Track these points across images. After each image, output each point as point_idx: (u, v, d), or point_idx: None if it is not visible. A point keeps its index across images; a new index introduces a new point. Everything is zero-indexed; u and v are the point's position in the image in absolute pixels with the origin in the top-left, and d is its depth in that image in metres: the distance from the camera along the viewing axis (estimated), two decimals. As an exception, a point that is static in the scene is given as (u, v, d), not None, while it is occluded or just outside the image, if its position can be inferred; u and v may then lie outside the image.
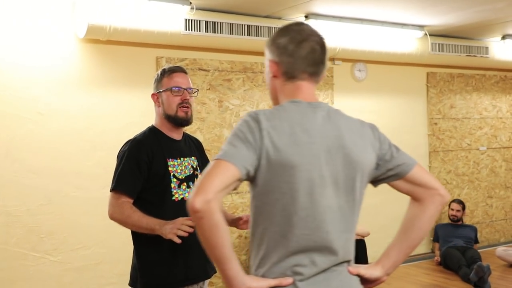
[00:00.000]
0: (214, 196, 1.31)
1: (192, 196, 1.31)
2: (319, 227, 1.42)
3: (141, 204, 2.26)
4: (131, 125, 4.09)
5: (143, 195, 2.29)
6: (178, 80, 2.37)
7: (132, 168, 2.26)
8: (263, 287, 1.40)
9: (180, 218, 2.14)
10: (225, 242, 1.34)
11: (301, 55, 1.50)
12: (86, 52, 4.07)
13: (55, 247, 3.89)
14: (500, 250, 5.49)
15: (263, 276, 1.43)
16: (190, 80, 2.43)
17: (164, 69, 2.42)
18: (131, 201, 2.26)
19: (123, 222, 2.25)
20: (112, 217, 2.27)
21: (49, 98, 3.91)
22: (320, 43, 1.53)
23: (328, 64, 5.53)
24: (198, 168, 2.44)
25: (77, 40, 4.02)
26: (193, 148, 2.49)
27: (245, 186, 4.73)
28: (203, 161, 2.50)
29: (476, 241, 5.65)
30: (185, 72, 2.43)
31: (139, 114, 4.13)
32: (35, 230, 3.82)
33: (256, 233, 1.46)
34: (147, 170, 2.27)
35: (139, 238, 2.31)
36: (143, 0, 3.91)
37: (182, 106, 2.34)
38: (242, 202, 4.79)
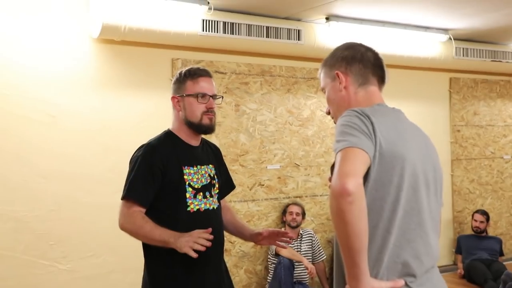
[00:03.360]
0: (362, 180, 1.28)
1: (340, 179, 1.25)
2: (423, 221, 1.42)
3: (153, 214, 2.10)
4: (146, 128, 3.95)
5: (156, 205, 2.12)
6: (204, 85, 2.20)
7: (145, 175, 2.11)
8: None
9: (197, 231, 1.99)
10: (367, 230, 1.29)
11: (370, 60, 1.58)
12: (100, 52, 3.94)
13: (65, 254, 3.75)
14: (526, 263, 5.27)
15: (375, 278, 1.38)
16: (214, 84, 2.27)
17: (188, 71, 2.24)
18: (143, 210, 2.10)
19: (134, 233, 2.10)
20: (123, 227, 2.11)
21: (60, 99, 3.78)
22: (378, 54, 1.63)
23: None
24: (215, 176, 2.27)
25: (91, 40, 3.89)
26: (211, 155, 2.33)
27: (260, 193, 4.59)
28: (221, 169, 2.35)
29: (501, 254, 5.42)
30: (211, 76, 2.27)
31: (154, 118, 3.99)
32: (44, 237, 3.68)
33: None
34: (161, 178, 2.11)
35: (150, 251, 2.15)
36: (159, 0, 3.77)
37: (207, 114, 2.18)
38: (258, 210, 4.62)
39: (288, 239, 2.30)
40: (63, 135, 3.78)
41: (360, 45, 1.62)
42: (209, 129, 2.22)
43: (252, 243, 4.59)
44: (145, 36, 3.89)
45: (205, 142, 2.35)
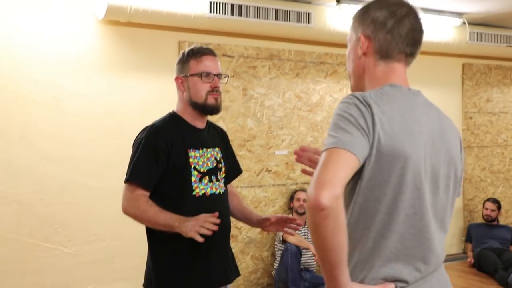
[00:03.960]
0: (342, 191, 1.14)
1: (315, 189, 1.12)
2: (426, 225, 1.29)
3: (158, 198, 2.05)
4: (151, 113, 3.83)
5: (160, 189, 2.07)
6: (208, 64, 2.13)
7: (148, 158, 2.05)
8: None
9: (203, 215, 1.94)
10: (345, 244, 1.17)
11: (401, 33, 1.35)
12: (105, 34, 3.86)
13: (69, 238, 3.72)
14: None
15: (362, 281, 1.28)
16: (219, 63, 2.19)
17: (192, 50, 2.18)
18: (147, 194, 2.05)
19: (138, 218, 2.04)
20: (126, 211, 2.06)
21: (65, 82, 3.72)
22: (419, 20, 1.39)
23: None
24: (222, 160, 2.21)
25: (96, 21, 3.81)
26: (217, 138, 2.26)
27: (268, 179, 4.53)
28: (227, 153, 2.28)
29: (513, 243, 5.34)
30: (215, 55, 2.20)
31: (160, 102, 3.90)
32: (48, 220, 3.65)
33: (354, 233, 1.28)
34: (166, 161, 2.05)
35: (154, 236, 2.11)
36: (165, -20, 3.68)
37: (212, 93, 2.11)
38: (265, 196, 4.56)
39: (295, 225, 2.24)
40: (66, 118, 3.72)
41: (401, 5, 1.37)
42: (215, 109, 2.15)
43: (259, 229, 4.53)
44: (151, 18, 3.81)
45: (211, 125, 2.28)
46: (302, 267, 4.30)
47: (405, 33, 1.35)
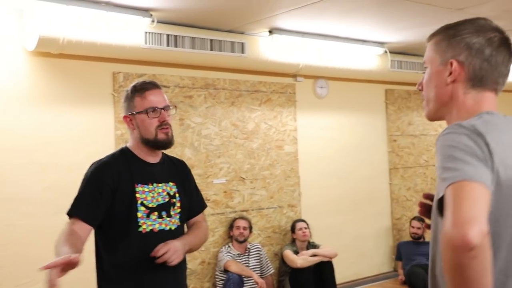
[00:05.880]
0: (488, 227, 1.01)
1: (459, 227, 0.99)
2: None
3: (105, 234, 2.02)
4: (86, 145, 3.77)
5: (107, 224, 2.01)
6: (153, 98, 2.09)
7: (92, 192, 2.00)
8: None
9: (54, 272, 1.56)
10: (491, 285, 1.03)
11: (498, 61, 1.25)
12: (35, 66, 3.73)
13: None
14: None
15: None
16: (165, 95, 2.18)
17: (134, 86, 2.13)
18: (88, 228, 1.96)
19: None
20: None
21: (-7, 116, 3.53)
22: (511, 47, 1.29)
23: (290, 80, 5.38)
24: (176, 195, 2.17)
25: (26, 53, 3.67)
26: (172, 172, 2.21)
27: (207, 208, 4.50)
28: (185, 185, 2.23)
29: (439, 258, 5.62)
30: (159, 87, 2.16)
31: (95, 134, 3.82)
32: (-24, 265, 3.41)
33: None
34: (111, 196, 2.00)
35: (102, 274, 2.05)
36: (100, 11, 3.62)
37: (162, 128, 2.09)
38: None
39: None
40: (-4, 154, 3.52)
41: (495, 30, 1.26)
42: (167, 144, 2.12)
43: (199, 260, 4.49)
44: (85, 49, 3.72)
45: (167, 159, 2.23)
46: (244, 295, 4.29)
47: (501, 62, 1.26)
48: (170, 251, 1.94)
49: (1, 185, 3.52)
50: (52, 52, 3.67)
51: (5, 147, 3.55)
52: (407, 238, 5.82)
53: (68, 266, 1.59)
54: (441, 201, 1.09)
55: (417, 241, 5.61)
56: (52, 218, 3.46)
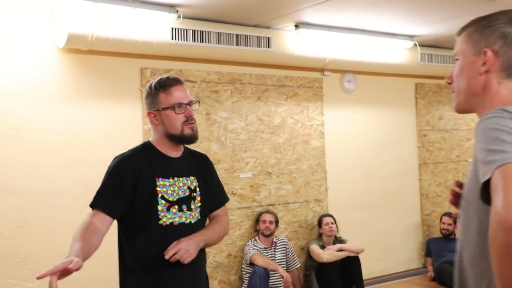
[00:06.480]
0: None
1: (509, 209, 0.96)
2: None
3: (126, 227, 2.07)
4: (114, 140, 3.85)
5: (128, 217, 2.06)
6: (178, 94, 2.12)
7: (114, 185, 2.04)
8: None
9: (54, 274, 1.64)
10: None
11: None
12: (66, 62, 3.82)
13: (32, 272, 3.59)
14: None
15: None
16: (188, 90, 2.21)
17: (158, 83, 2.16)
18: (108, 220, 2.00)
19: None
20: None
21: (25, 111, 3.64)
22: None
23: (317, 74, 5.35)
24: (197, 189, 2.20)
25: (56, 50, 3.77)
26: (194, 166, 2.24)
27: (233, 202, 4.54)
28: (207, 179, 2.26)
29: (469, 255, 5.52)
30: (182, 83, 2.19)
31: (123, 129, 3.90)
32: (9, 255, 3.53)
33: (481, 267, 1.15)
34: (132, 189, 2.04)
35: (124, 266, 2.10)
36: (127, 8, 3.68)
37: (188, 123, 2.12)
38: (231, 220, 4.56)
39: None
40: (28, 148, 3.63)
41: None
42: (193, 138, 2.15)
43: (226, 253, 4.53)
44: (112, 45, 3.80)
45: (189, 153, 2.26)
46: (270, 289, 4.32)
47: None
48: (181, 251, 1.97)
49: (34, 179, 3.63)
50: (82, 49, 3.76)
51: (36, 142, 3.66)
52: (437, 234, 5.73)
53: (66, 271, 1.66)
54: (485, 184, 1.04)
55: (448, 237, 5.51)
56: (82, 211, 3.53)
